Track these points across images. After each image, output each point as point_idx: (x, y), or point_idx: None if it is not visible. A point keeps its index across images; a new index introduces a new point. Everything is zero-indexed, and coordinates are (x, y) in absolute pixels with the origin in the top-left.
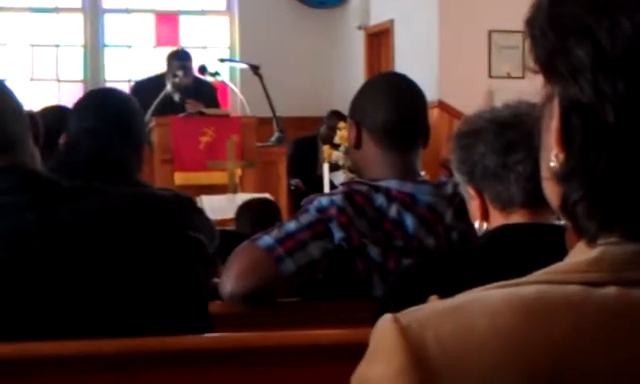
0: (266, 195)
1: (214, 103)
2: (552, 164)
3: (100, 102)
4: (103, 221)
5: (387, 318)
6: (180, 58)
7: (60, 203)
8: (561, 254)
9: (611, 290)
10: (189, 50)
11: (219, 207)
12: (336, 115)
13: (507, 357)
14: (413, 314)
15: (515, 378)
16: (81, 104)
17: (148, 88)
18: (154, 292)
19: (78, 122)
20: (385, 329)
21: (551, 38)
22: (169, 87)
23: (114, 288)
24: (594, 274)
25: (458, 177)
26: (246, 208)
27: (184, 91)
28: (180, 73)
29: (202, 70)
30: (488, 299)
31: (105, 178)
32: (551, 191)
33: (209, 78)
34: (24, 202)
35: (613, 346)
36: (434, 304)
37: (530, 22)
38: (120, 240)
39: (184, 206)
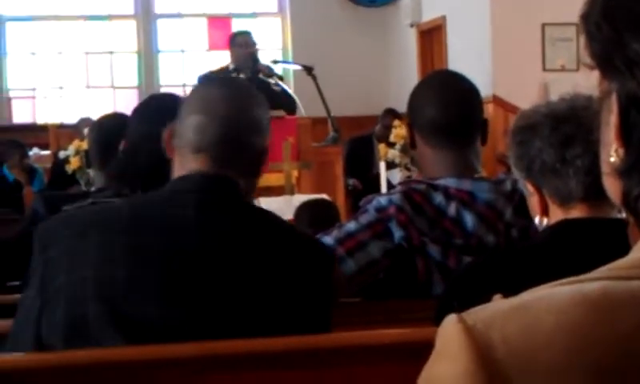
0: (324, 196)
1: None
2: (612, 159)
3: (157, 106)
4: (258, 242)
5: (452, 318)
6: (239, 37)
7: (225, 214)
8: (623, 248)
9: None
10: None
11: (277, 209)
12: (390, 113)
13: (573, 354)
14: (478, 314)
15: (582, 376)
16: (139, 109)
17: None
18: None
19: (137, 127)
20: (450, 329)
21: (607, 32)
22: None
23: (241, 300)
24: None
25: (516, 173)
26: (304, 209)
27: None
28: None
29: (269, 70)
30: (553, 297)
31: (165, 182)
32: (612, 186)
33: (273, 80)
34: (192, 201)
35: None
36: (499, 303)
37: (586, 18)
38: (264, 265)
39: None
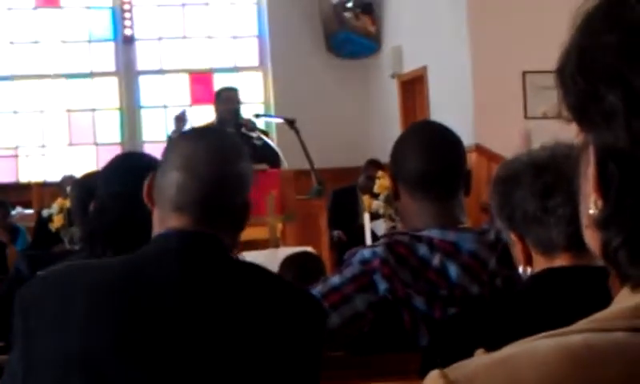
0: (308, 248)
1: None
2: (591, 211)
3: (124, 165)
4: (246, 297)
5: (435, 373)
6: (224, 93)
7: (210, 271)
8: (606, 296)
9: None
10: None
11: (262, 263)
12: (373, 164)
13: None
14: (460, 370)
15: None
16: (106, 169)
17: None
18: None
19: (105, 187)
20: None
21: (582, 85)
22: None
23: (232, 359)
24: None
25: (498, 222)
26: (289, 263)
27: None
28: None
29: (252, 125)
30: (534, 351)
31: (135, 241)
32: (592, 238)
33: (255, 134)
34: (176, 261)
35: None
36: (481, 358)
37: (561, 71)
38: (254, 320)
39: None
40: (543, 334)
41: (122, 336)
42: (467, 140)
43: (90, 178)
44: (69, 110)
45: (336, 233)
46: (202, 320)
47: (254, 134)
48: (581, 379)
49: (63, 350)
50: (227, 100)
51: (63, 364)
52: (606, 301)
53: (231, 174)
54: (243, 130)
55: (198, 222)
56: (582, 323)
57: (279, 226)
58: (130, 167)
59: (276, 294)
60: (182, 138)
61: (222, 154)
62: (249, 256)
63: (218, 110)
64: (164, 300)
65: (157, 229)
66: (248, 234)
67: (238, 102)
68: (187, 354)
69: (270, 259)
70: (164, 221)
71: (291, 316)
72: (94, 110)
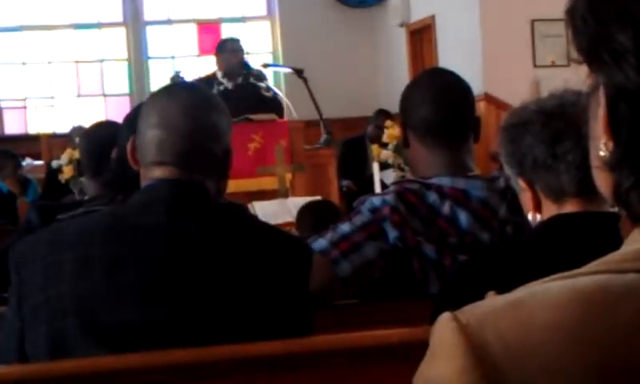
0: (318, 198)
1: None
2: (602, 153)
3: None
4: (231, 241)
5: (446, 316)
6: (228, 43)
7: (199, 216)
8: (616, 241)
9: None
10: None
11: (271, 212)
12: (383, 114)
13: (571, 350)
14: (471, 312)
15: (582, 371)
16: (129, 117)
17: None
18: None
19: (127, 135)
20: (444, 327)
21: (593, 25)
22: (216, 86)
23: (221, 301)
24: None
25: (507, 170)
26: (306, 211)
27: (238, 92)
28: (229, 58)
29: (260, 75)
30: (547, 293)
31: None
32: (602, 180)
33: (264, 85)
34: (162, 207)
35: None
36: (492, 300)
37: (571, 12)
38: (238, 264)
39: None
40: (555, 276)
41: (112, 283)
42: (476, 89)
43: (98, 128)
44: (77, 61)
45: (345, 183)
46: (188, 267)
47: (262, 84)
48: (593, 321)
49: (56, 298)
50: (233, 51)
51: (57, 311)
52: (616, 246)
53: (206, 125)
54: (252, 79)
55: (180, 172)
56: (594, 265)
57: (288, 175)
58: None
59: (260, 237)
60: (154, 97)
61: (195, 106)
62: (258, 205)
63: (221, 61)
64: (152, 246)
65: (143, 184)
66: (257, 183)
67: (242, 51)
68: (174, 300)
69: (279, 209)
70: (148, 176)
71: (275, 257)
72: (102, 60)
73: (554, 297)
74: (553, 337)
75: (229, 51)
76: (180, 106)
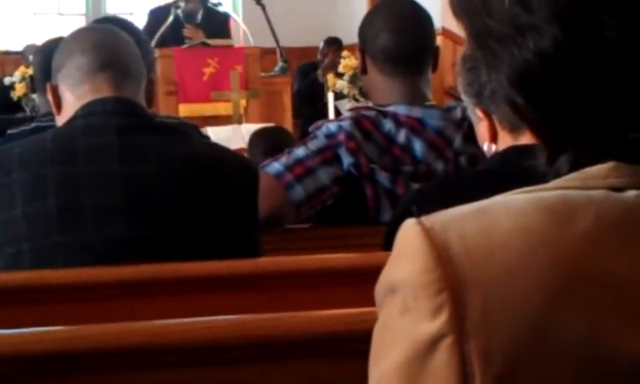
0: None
1: (225, 33)
2: None
3: None
4: (179, 161)
5: (410, 221)
6: None
7: (146, 134)
8: None
9: (632, 193)
10: None
11: (225, 138)
12: (333, 42)
13: (531, 253)
14: (436, 217)
15: (538, 273)
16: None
17: (158, 16)
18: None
19: None
20: (408, 231)
21: None
22: (172, 17)
23: (173, 217)
24: (615, 179)
25: (465, 99)
26: (259, 136)
27: (191, 18)
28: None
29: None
30: (511, 202)
31: None
32: None
33: (222, 10)
34: (111, 126)
35: (634, 246)
36: (457, 208)
37: None
38: (191, 185)
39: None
40: (520, 189)
41: (66, 202)
42: (434, 23)
43: (53, 44)
44: None
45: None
46: (141, 182)
47: (220, 10)
48: (554, 227)
49: (5, 223)
50: None
51: (9, 235)
52: None
53: (120, 47)
54: (209, 4)
55: (110, 86)
56: (558, 181)
57: (243, 102)
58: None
59: (207, 155)
60: (71, 35)
61: (107, 33)
62: (212, 130)
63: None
64: (103, 167)
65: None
66: (212, 108)
67: None
68: (129, 217)
69: (232, 134)
70: (81, 99)
71: (222, 176)
72: None
73: (518, 205)
74: (512, 240)
75: None
76: (93, 32)
